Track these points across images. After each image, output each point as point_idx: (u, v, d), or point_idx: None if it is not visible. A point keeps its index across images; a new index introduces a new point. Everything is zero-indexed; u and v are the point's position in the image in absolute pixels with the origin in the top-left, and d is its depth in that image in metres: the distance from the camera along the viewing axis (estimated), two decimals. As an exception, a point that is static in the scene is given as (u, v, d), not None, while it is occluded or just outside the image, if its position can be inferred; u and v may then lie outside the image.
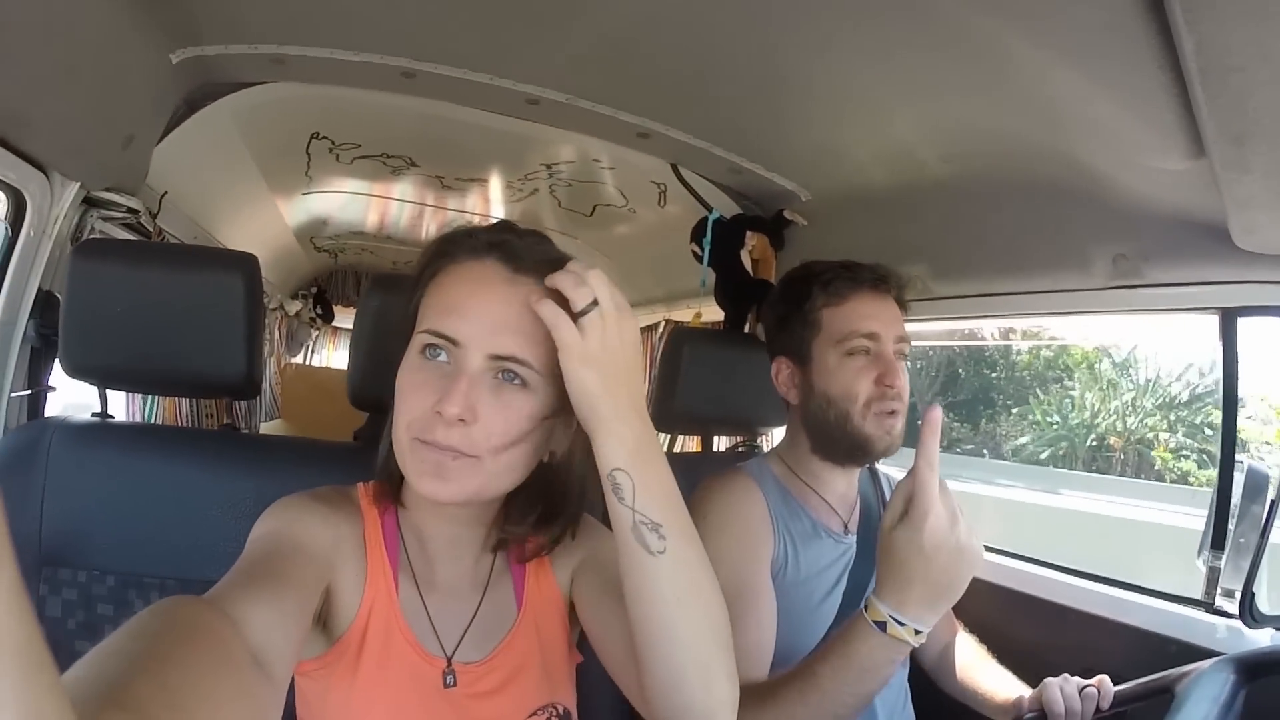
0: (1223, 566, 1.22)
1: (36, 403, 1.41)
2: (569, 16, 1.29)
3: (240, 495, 1.14)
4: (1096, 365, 14.50)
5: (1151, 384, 14.03)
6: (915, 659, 1.31)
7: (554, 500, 0.83)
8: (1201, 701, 0.89)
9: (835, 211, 1.83)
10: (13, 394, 1.35)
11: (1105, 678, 1.04)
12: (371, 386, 1.17)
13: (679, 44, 1.32)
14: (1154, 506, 7.06)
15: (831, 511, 1.26)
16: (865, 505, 1.29)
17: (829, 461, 1.24)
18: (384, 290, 1.17)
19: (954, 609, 1.02)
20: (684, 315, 3.15)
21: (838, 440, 1.20)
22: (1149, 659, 1.06)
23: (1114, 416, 14.14)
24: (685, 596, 0.70)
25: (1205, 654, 1.06)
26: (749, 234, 2.00)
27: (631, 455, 0.68)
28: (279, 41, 1.43)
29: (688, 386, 1.54)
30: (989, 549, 1.61)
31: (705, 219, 2.00)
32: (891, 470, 1.43)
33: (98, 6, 1.15)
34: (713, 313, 2.31)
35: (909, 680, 1.28)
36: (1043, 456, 13.83)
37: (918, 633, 0.86)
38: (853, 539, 1.25)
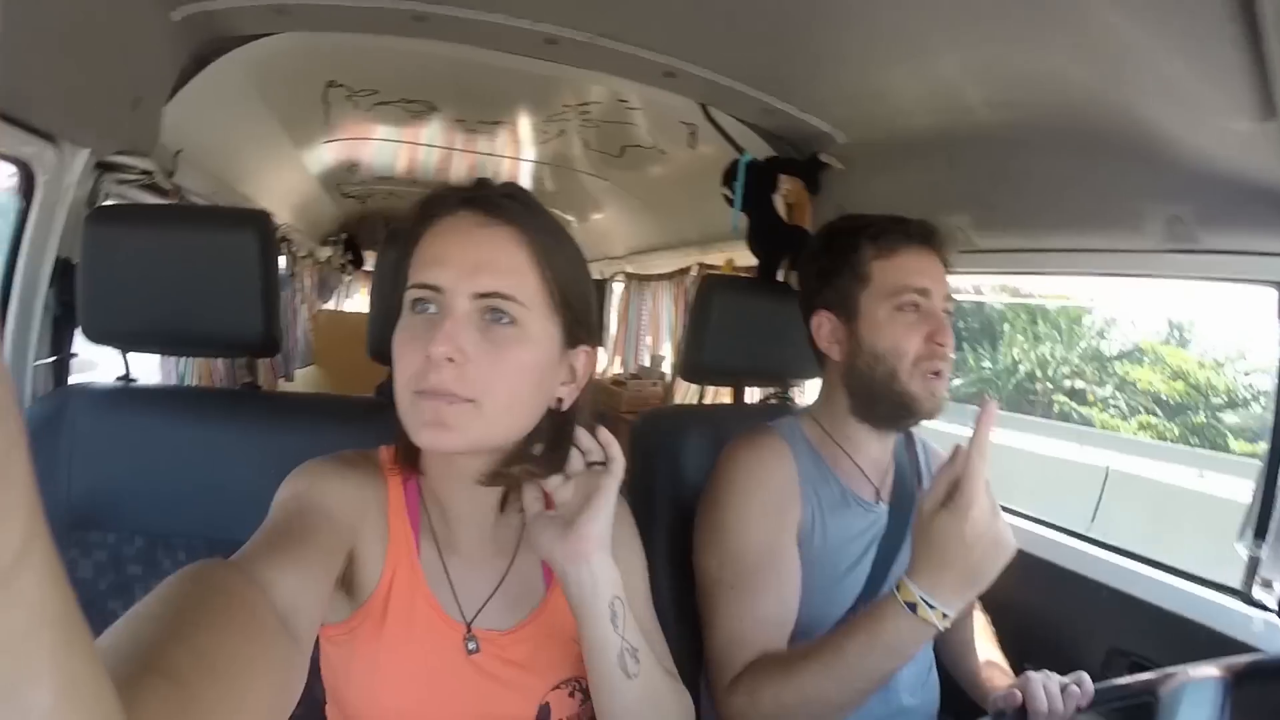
0: (1264, 557, 1.17)
1: (61, 369, 1.43)
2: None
3: (263, 453, 1.12)
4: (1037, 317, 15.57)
5: (1081, 337, 15.50)
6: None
7: (565, 447, 0.81)
8: (1187, 713, 0.85)
9: (874, 156, 1.74)
10: (37, 362, 1.37)
11: (1084, 674, 0.99)
12: (390, 340, 1.16)
13: None
14: (1045, 440, 8.03)
15: (864, 478, 1.22)
16: (900, 473, 1.26)
17: (867, 424, 1.20)
18: (400, 242, 1.15)
19: None
20: (716, 259, 3.10)
21: (881, 399, 1.16)
22: (1179, 645, 1.03)
23: (1036, 365, 15.26)
24: (648, 712, 0.80)
25: (1237, 647, 1.04)
26: (782, 178, 1.91)
27: (619, 584, 0.77)
28: None
29: (718, 337, 1.50)
30: (1021, 514, 1.57)
31: (736, 161, 1.92)
32: (928, 438, 1.39)
33: None
34: (745, 258, 2.25)
35: (934, 650, 1.27)
36: (970, 394, 14.57)
37: (945, 616, 0.86)
38: (884, 508, 1.21)
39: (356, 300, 7.18)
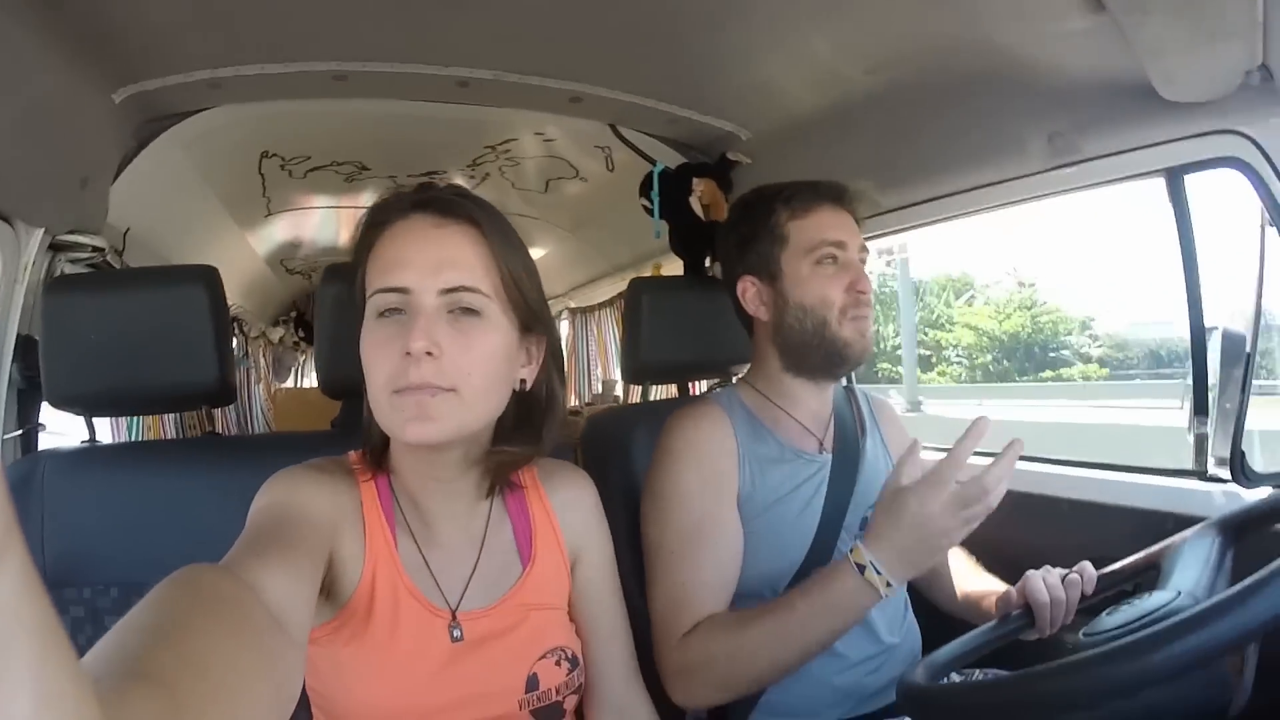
0: (1210, 433, 1.23)
1: (30, 441, 1.46)
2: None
3: (229, 493, 1.10)
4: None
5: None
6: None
7: (534, 422, 0.89)
8: (1189, 570, 0.87)
9: (776, 145, 1.86)
10: (5, 436, 1.40)
11: (1087, 563, 1.03)
12: (340, 372, 1.19)
13: (595, 3, 1.35)
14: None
15: (805, 431, 1.26)
16: (840, 422, 1.28)
17: (802, 377, 1.25)
18: (337, 278, 1.20)
19: None
20: (647, 274, 3.20)
21: (814, 349, 1.20)
22: (1149, 538, 1.03)
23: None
24: None
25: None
26: (696, 180, 2.01)
27: None
28: (211, 65, 1.48)
29: (654, 337, 1.55)
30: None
31: (650, 173, 2.04)
32: (866, 387, 1.44)
33: (41, 57, 1.20)
34: (673, 266, 2.31)
35: (908, 591, 1.28)
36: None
37: (889, 585, 0.92)
38: (828, 456, 1.24)
39: (313, 379, 7.12)
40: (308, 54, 1.51)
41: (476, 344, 0.78)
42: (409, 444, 0.80)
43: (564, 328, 4.82)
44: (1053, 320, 18.40)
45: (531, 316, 0.85)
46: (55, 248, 1.49)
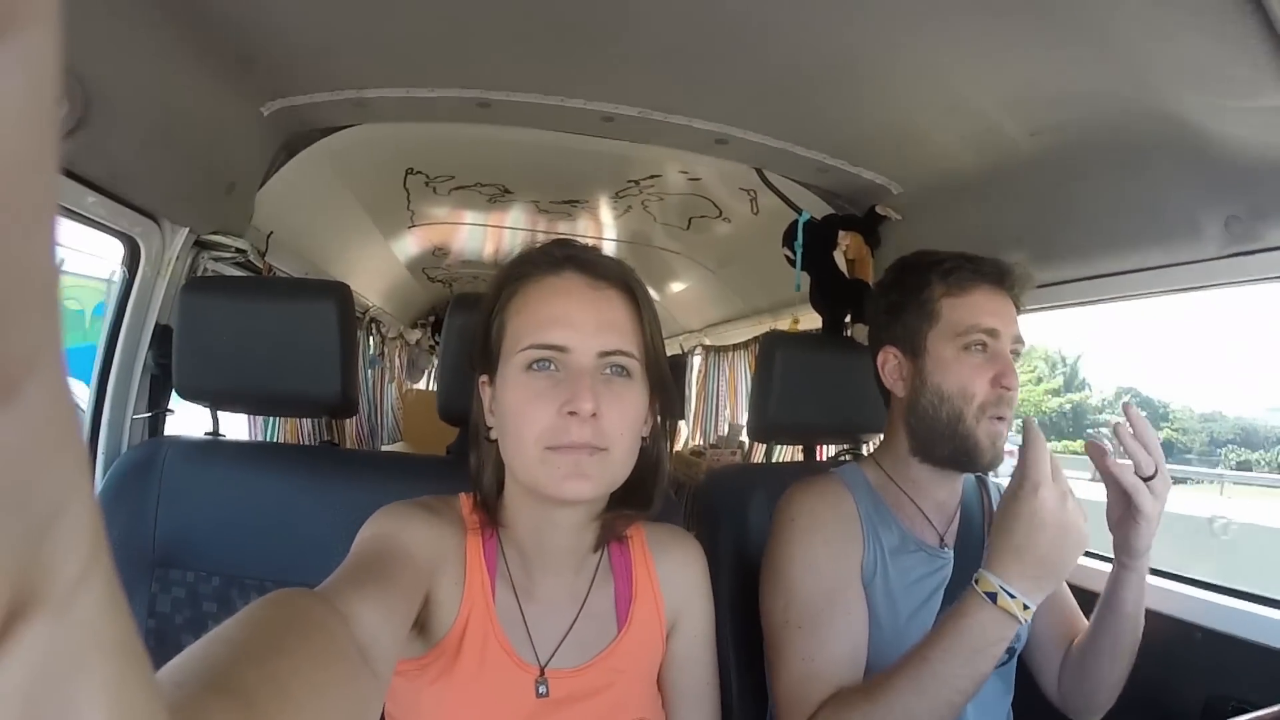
0: None
1: (157, 423, 1.56)
2: (632, 32, 1.28)
3: (336, 506, 1.19)
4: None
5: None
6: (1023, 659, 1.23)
7: (647, 479, 0.88)
8: None
9: (928, 203, 1.74)
10: (135, 416, 1.50)
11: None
12: (459, 401, 1.19)
13: (748, 46, 1.28)
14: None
15: (926, 523, 1.17)
16: (967, 517, 1.20)
17: (928, 464, 1.15)
18: (466, 309, 1.21)
19: None
20: (786, 323, 3.09)
21: (943, 441, 1.12)
22: None
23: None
24: None
25: None
26: (842, 234, 1.92)
27: None
28: (359, 86, 1.51)
29: (783, 394, 1.49)
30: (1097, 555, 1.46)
31: (795, 222, 1.94)
32: (1002, 481, 1.32)
33: (192, 71, 1.26)
34: (811, 319, 2.22)
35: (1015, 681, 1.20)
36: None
37: (1026, 607, 0.86)
38: (950, 554, 1.16)
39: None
40: (452, 81, 1.51)
41: (628, 405, 0.80)
42: (558, 500, 0.79)
43: (695, 363, 4.77)
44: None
45: (661, 380, 0.86)
46: (201, 245, 1.58)
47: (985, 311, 1.12)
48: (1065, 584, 1.24)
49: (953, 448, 1.11)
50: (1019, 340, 1.13)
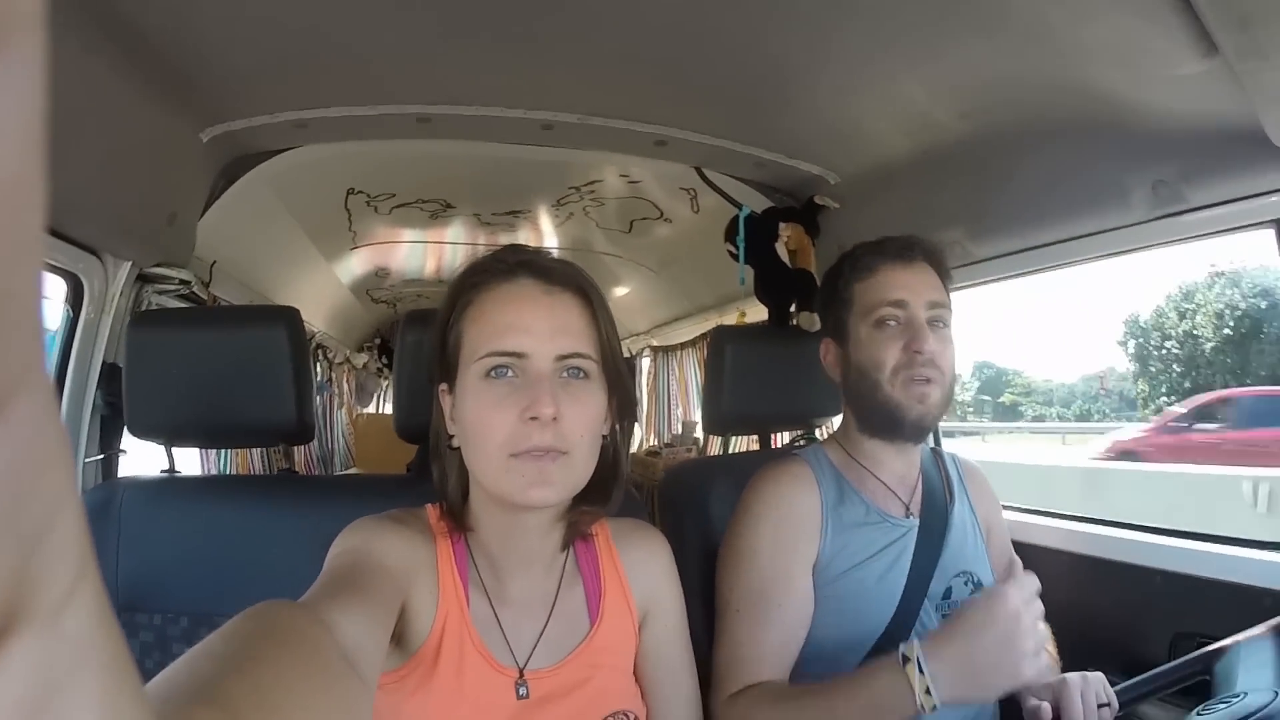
0: None
1: (110, 465, 1.51)
2: (570, 39, 1.30)
3: (301, 532, 1.17)
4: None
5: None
6: None
7: (606, 477, 0.89)
8: (1249, 675, 0.82)
9: (865, 190, 1.79)
10: (86, 459, 1.45)
11: (1101, 678, 0.98)
12: (417, 418, 1.19)
13: (685, 48, 1.32)
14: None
15: (890, 493, 1.22)
16: (929, 486, 1.25)
17: (877, 439, 1.22)
18: (419, 325, 1.21)
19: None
20: (732, 318, 3.14)
21: (872, 413, 1.19)
22: (1245, 616, 0.99)
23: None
24: None
25: None
26: (782, 225, 1.96)
27: None
28: (297, 107, 1.50)
29: (736, 386, 1.52)
30: (1061, 515, 1.54)
31: (736, 217, 1.98)
32: (958, 452, 1.38)
33: (130, 98, 1.24)
34: (757, 312, 2.27)
35: None
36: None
37: (928, 692, 0.84)
38: (915, 520, 1.21)
39: (394, 405, 7.29)
40: (391, 97, 1.52)
41: (588, 407, 0.81)
42: (523, 506, 0.80)
43: (645, 365, 4.79)
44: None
45: (618, 379, 0.86)
46: (143, 279, 1.54)
47: (891, 286, 1.18)
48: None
49: (880, 417, 1.18)
50: (937, 305, 1.17)
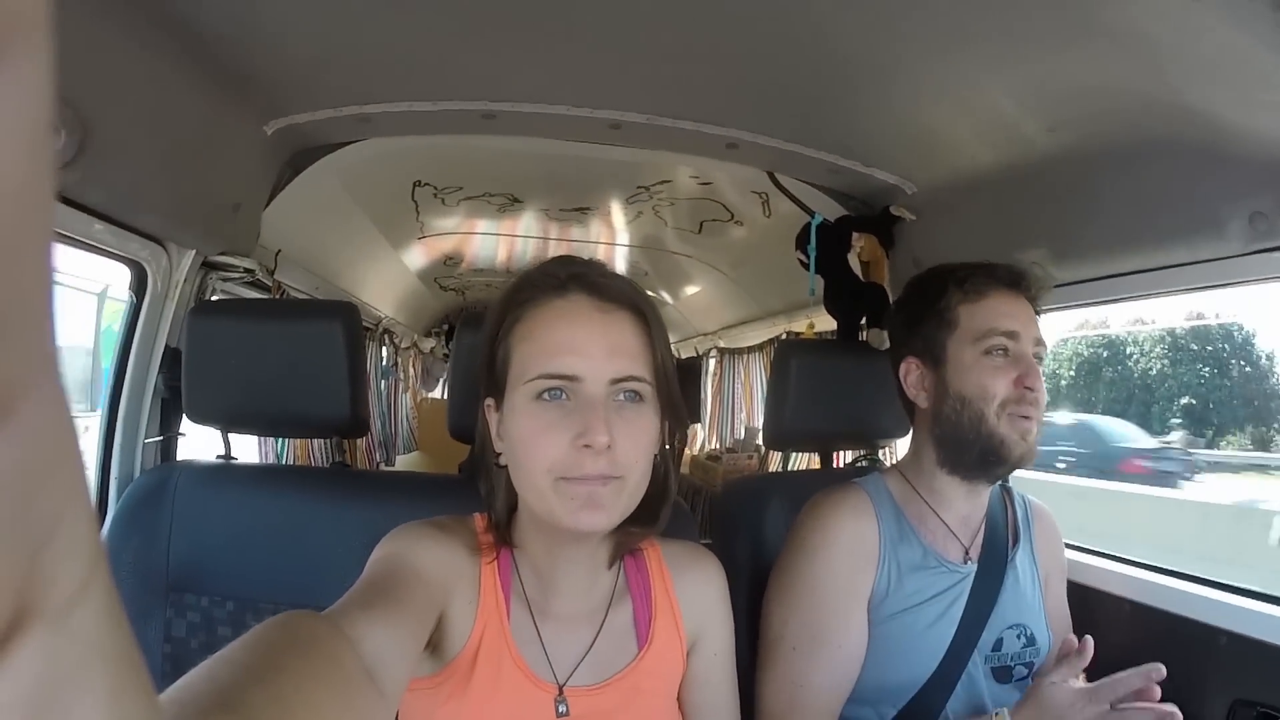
0: None
1: (169, 447, 1.57)
2: (637, 37, 1.25)
3: (349, 527, 1.20)
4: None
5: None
6: None
7: (655, 497, 0.86)
8: None
9: (944, 202, 1.70)
10: (146, 440, 1.50)
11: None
12: (469, 419, 1.19)
13: (755, 50, 1.26)
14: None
15: (950, 535, 1.17)
16: (992, 530, 1.19)
17: (956, 476, 1.16)
18: (474, 328, 1.19)
19: (1093, 634, 1.01)
20: (802, 326, 3.05)
21: (970, 444, 1.12)
22: None
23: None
24: None
25: None
26: (856, 236, 1.88)
27: None
28: (360, 102, 1.49)
29: (799, 402, 1.47)
30: (1122, 559, 1.44)
31: (808, 225, 1.90)
32: (1029, 495, 1.31)
33: (192, 94, 1.25)
34: (827, 323, 2.19)
35: None
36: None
37: None
38: (973, 566, 1.15)
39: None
40: (456, 93, 1.49)
41: (642, 433, 0.78)
42: (571, 531, 0.77)
43: (711, 366, 4.75)
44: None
45: (671, 400, 0.83)
46: (208, 266, 1.58)
47: (1003, 315, 1.12)
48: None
49: (980, 449, 1.11)
50: (1040, 342, 1.14)
